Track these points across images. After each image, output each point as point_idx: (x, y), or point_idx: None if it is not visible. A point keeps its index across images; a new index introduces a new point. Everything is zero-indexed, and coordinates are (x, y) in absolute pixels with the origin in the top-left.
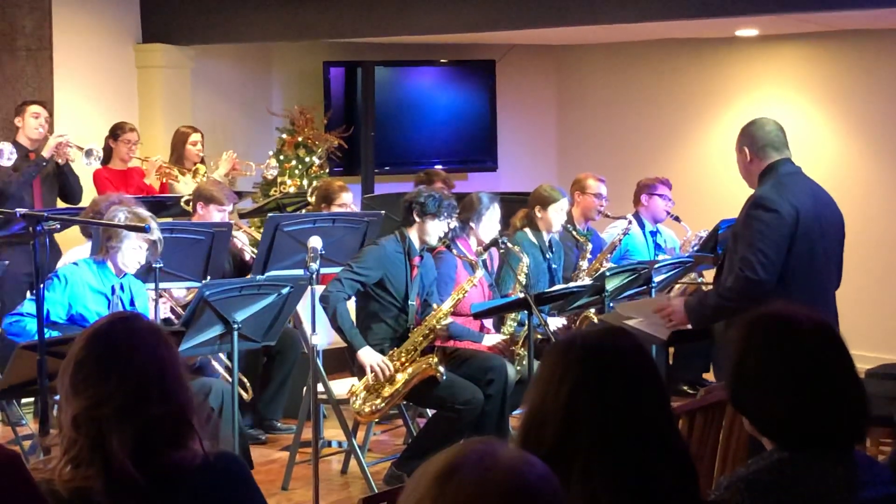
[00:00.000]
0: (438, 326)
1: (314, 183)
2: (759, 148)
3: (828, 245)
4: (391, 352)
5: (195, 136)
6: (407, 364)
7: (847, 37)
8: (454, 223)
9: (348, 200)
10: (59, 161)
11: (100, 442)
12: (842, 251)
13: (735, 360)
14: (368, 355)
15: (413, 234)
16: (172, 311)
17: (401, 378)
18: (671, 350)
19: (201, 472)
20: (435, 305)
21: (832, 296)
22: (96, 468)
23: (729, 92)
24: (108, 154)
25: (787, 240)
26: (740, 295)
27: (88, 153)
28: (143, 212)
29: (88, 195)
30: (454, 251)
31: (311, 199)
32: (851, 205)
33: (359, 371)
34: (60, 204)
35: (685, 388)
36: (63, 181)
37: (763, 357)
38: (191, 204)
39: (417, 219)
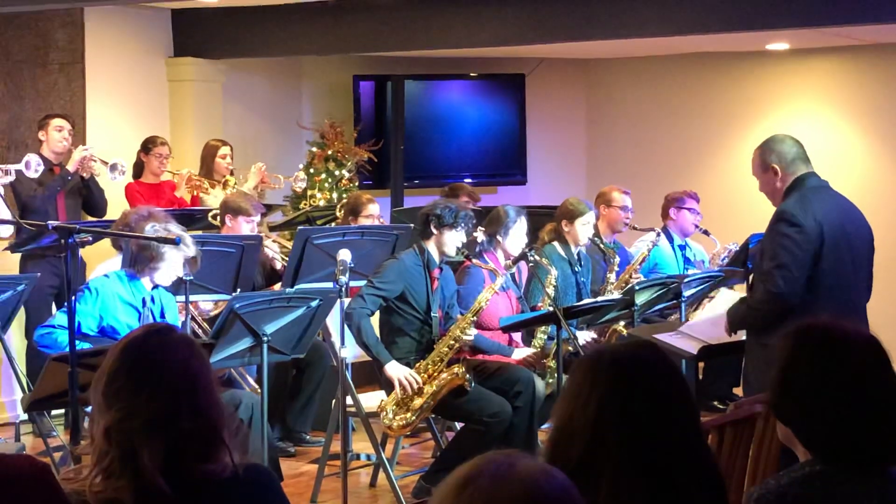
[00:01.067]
0: (464, 337)
1: (344, 196)
2: (789, 162)
3: (857, 257)
4: (417, 364)
5: (224, 150)
6: (434, 375)
7: (878, 51)
8: (481, 236)
9: (375, 212)
10: (84, 175)
11: (131, 454)
12: (871, 263)
13: (781, 370)
14: (395, 369)
15: (431, 246)
16: (198, 324)
17: (429, 389)
18: (701, 365)
19: (231, 485)
20: (459, 316)
21: (863, 309)
22: (127, 480)
23: (759, 106)
24: (139, 168)
25: (810, 254)
26: (765, 308)
27: (113, 167)
28: (176, 228)
29: (118, 208)
30: (474, 261)
31: (339, 214)
32: (883, 218)
33: (386, 386)
34: (85, 217)
35: (715, 403)
36: (87, 195)
37: (812, 368)
38: (218, 218)
39: (435, 231)
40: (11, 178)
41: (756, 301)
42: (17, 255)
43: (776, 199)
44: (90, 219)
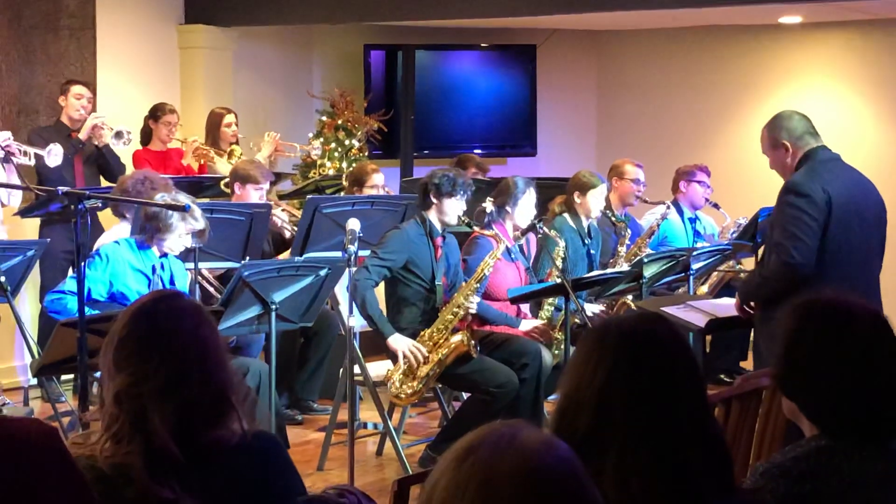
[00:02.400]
0: (466, 304)
1: (354, 166)
2: (798, 137)
3: (867, 229)
4: (422, 333)
5: (229, 117)
6: (439, 343)
7: (891, 25)
8: (490, 207)
9: (379, 182)
10: (96, 143)
11: (141, 419)
12: (883, 235)
13: (786, 345)
14: (398, 342)
15: (432, 215)
16: (209, 283)
17: (434, 357)
18: (708, 338)
19: (239, 451)
20: (463, 284)
21: (876, 280)
22: (137, 444)
23: (771, 79)
24: (147, 135)
25: (820, 223)
26: (780, 278)
27: (118, 135)
28: (185, 199)
29: None
30: (476, 228)
31: (345, 184)
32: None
33: (392, 357)
34: (104, 183)
35: (722, 376)
36: (103, 162)
37: (818, 343)
38: (229, 186)
39: (434, 200)
40: (31, 161)
41: (769, 271)
42: (37, 221)
43: (787, 175)
44: (108, 185)
